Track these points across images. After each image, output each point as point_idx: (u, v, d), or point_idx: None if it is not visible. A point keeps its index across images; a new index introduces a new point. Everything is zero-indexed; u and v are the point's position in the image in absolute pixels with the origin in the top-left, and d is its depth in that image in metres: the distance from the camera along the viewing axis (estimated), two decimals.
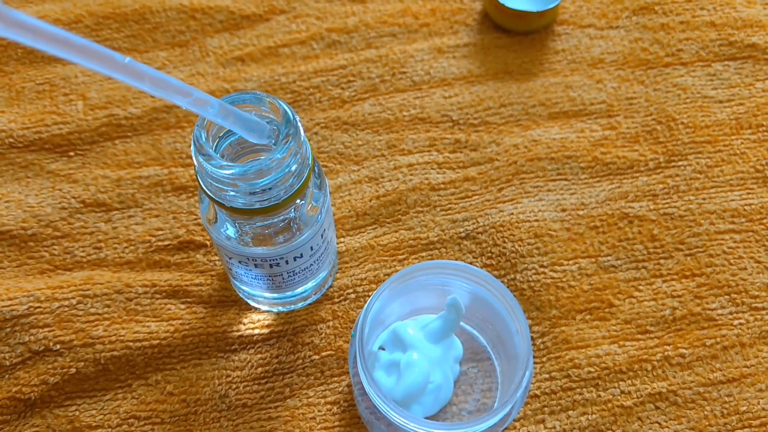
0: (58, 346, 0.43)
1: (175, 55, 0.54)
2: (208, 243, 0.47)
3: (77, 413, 0.42)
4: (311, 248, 0.39)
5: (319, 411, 0.42)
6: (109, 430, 0.41)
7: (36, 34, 0.22)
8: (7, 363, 0.42)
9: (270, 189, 0.34)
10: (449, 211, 0.48)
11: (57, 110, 0.51)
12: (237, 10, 0.56)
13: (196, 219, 0.47)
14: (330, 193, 0.48)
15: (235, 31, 0.55)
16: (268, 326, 0.44)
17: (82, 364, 0.42)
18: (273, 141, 0.34)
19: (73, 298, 0.44)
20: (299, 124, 0.34)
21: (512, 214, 0.47)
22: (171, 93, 0.28)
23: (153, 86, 0.27)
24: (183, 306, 0.45)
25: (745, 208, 0.48)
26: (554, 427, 0.42)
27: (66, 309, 0.43)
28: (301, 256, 0.39)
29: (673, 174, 0.50)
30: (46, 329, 0.43)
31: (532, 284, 0.45)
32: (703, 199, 0.49)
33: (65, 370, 0.42)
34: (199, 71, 0.53)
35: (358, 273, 0.46)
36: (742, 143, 0.51)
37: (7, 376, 0.42)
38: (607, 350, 0.43)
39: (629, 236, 0.47)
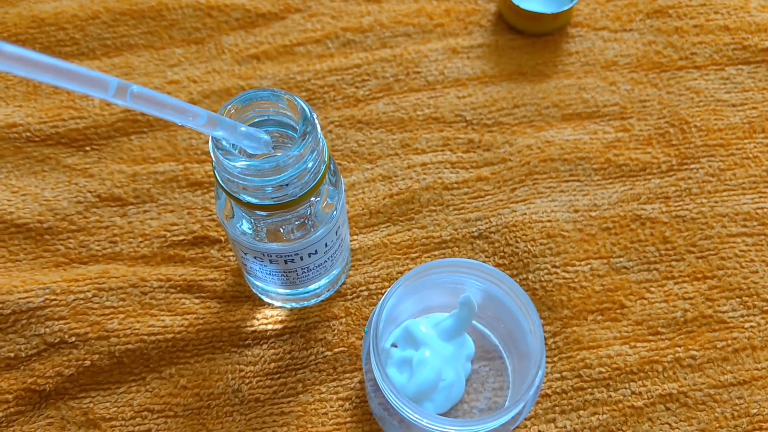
0: (74, 339, 0.43)
1: (191, 52, 0.55)
2: (222, 239, 0.47)
3: (91, 405, 0.42)
4: (326, 245, 0.40)
5: (331, 407, 0.42)
6: (123, 422, 0.42)
7: (26, 64, 0.21)
8: (23, 354, 0.43)
9: (286, 185, 0.34)
10: (462, 211, 0.48)
11: (74, 105, 0.52)
12: (253, 8, 0.56)
13: (210, 215, 0.48)
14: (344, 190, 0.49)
15: (250, 29, 0.56)
16: (281, 322, 0.44)
17: (97, 356, 0.43)
18: (271, 148, 0.34)
19: (88, 291, 0.44)
20: (316, 121, 0.34)
21: (525, 214, 0.48)
22: (167, 111, 0.28)
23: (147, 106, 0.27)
24: (197, 301, 0.45)
25: (758, 211, 0.48)
26: (565, 427, 0.42)
27: (81, 302, 0.44)
28: (316, 252, 0.39)
29: (686, 177, 0.50)
30: (62, 322, 0.43)
31: (544, 284, 0.45)
32: (716, 202, 0.49)
33: (80, 362, 0.43)
34: (215, 68, 0.54)
35: (371, 270, 0.46)
36: (755, 147, 0.51)
37: (22, 367, 0.43)
38: (618, 351, 0.44)
39: (641, 238, 0.47)
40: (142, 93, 0.26)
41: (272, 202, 0.34)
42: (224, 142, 0.33)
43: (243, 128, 0.32)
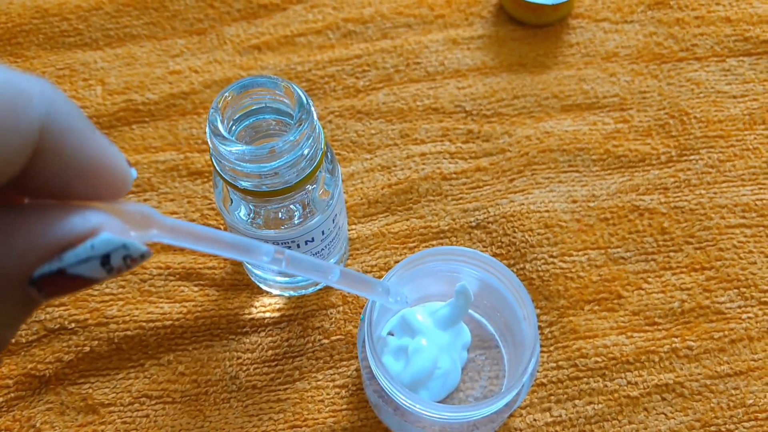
0: (73, 325, 0.43)
1: (193, 42, 0.55)
2: (222, 227, 0.47)
3: (90, 391, 0.43)
4: (322, 233, 0.40)
5: (327, 394, 0.42)
6: (121, 408, 0.42)
7: (186, 236, 0.23)
8: (23, 340, 0.43)
9: (282, 171, 0.34)
10: (460, 201, 0.48)
11: (76, 95, 0.52)
12: None
13: (210, 203, 0.48)
14: (342, 180, 0.49)
15: (252, 19, 0.56)
16: (279, 310, 0.45)
17: (96, 342, 0.43)
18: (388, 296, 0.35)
19: None
20: (312, 108, 0.34)
21: (523, 204, 0.48)
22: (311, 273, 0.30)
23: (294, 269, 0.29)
24: (196, 288, 0.45)
25: (756, 203, 0.48)
26: (560, 416, 0.42)
27: None
28: (312, 240, 0.40)
29: (685, 168, 0.50)
30: (62, 308, 0.44)
31: (541, 274, 0.45)
32: (714, 193, 0.49)
33: (79, 348, 0.43)
34: (217, 59, 0.54)
35: (368, 260, 0.46)
36: (755, 138, 0.51)
37: (22, 353, 0.43)
38: (614, 341, 0.44)
39: (639, 229, 0.47)
40: (294, 258, 0.29)
41: (268, 189, 0.35)
42: (220, 127, 0.33)
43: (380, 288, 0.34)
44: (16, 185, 0.18)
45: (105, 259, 0.19)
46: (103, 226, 0.19)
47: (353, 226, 0.48)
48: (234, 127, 0.36)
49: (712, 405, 0.42)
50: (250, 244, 0.26)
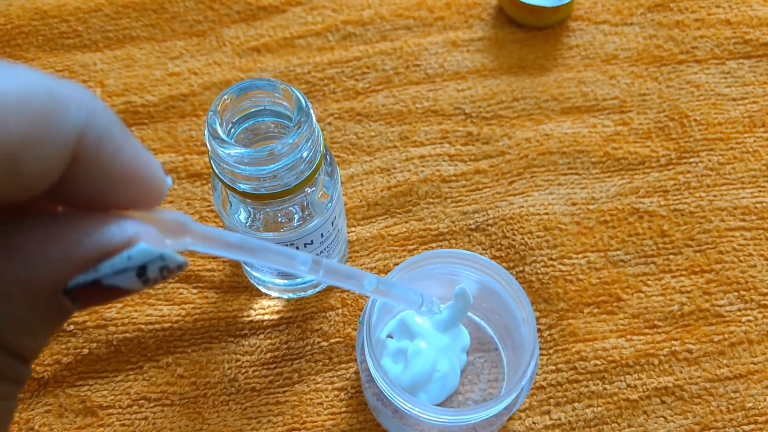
0: (72, 327, 0.43)
1: (193, 44, 0.55)
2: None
3: (89, 393, 0.42)
4: (321, 235, 0.40)
5: (326, 396, 0.42)
6: (120, 410, 0.42)
7: (222, 245, 0.23)
8: None
9: (281, 174, 0.34)
10: (460, 203, 0.48)
11: None
12: (254, 1, 0.56)
13: (209, 206, 0.48)
14: (342, 182, 0.49)
15: (251, 21, 0.56)
16: (278, 312, 0.45)
17: (95, 345, 0.43)
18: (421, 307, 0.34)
19: None
20: (311, 111, 0.34)
21: (522, 207, 0.48)
22: (343, 281, 0.30)
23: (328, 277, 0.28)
24: (195, 291, 0.45)
25: (756, 205, 0.48)
26: (559, 419, 0.42)
27: None
28: (312, 242, 0.40)
29: (685, 170, 0.50)
30: None
31: (541, 277, 0.45)
32: (714, 195, 0.49)
33: (78, 350, 0.43)
34: (216, 61, 0.54)
35: (368, 262, 0.46)
36: (755, 141, 0.51)
37: None
38: (614, 344, 0.44)
39: (639, 231, 0.47)
40: (331, 267, 0.28)
41: (267, 192, 0.35)
42: (219, 130, 0.33)
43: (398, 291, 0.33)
44: (51, 193, 0.18)
45: (141, 270, 0.19)
46: (140, 236, 0.19)
47: (352, 229, 0.48)
48: (233, 130, 0.36)
49: (711, 408, 0.42)
50: (286, 253, 0.25)
